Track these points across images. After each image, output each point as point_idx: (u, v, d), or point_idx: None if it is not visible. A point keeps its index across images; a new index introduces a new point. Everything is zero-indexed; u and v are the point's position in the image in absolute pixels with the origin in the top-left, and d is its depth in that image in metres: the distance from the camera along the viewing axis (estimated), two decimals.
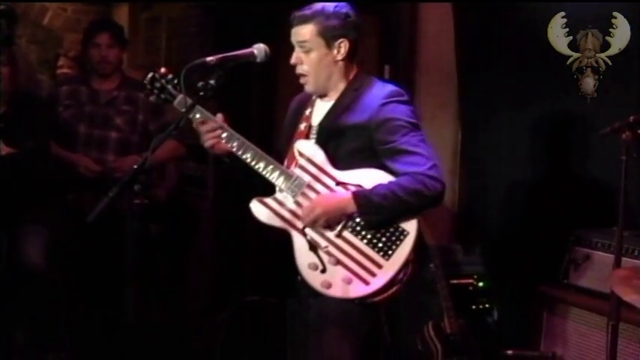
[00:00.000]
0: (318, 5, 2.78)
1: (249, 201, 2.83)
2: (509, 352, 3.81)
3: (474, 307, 4.09)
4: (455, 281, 4.03)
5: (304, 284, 2.76)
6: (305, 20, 2.76)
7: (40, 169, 4.00)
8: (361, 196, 2.68)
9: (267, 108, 5.26)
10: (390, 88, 2.80)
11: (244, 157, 2.79)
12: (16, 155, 3.87)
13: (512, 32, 4.17)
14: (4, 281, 4.04)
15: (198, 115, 2.78)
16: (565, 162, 4.09)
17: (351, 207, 2.68)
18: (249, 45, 2.75)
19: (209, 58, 2.65)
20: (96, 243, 4.02)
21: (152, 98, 2.90)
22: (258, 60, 2.75)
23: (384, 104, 2.73)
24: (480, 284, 4.13)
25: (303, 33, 2.76)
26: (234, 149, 2.80)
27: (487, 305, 4.11)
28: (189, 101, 2.68)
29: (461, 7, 4.40)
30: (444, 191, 2.71)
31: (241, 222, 5.02)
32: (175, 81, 2.85)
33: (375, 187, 2.69)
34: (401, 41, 4.56)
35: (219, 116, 2.83)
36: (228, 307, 4.45)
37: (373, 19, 4.60)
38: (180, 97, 2.81)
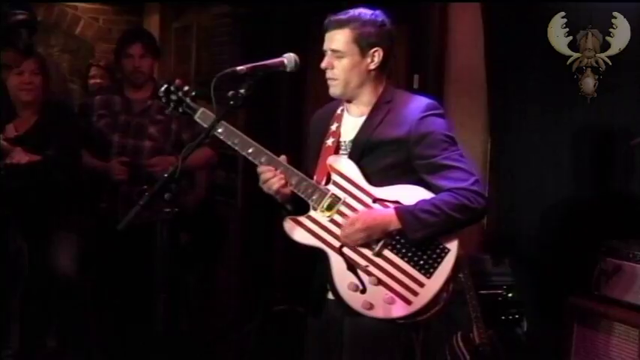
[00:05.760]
0: (355, 11, 2.71)
1: (277, 210, 2.79)
2: None
3: (503, 317, 4.07)
4: (484, 292, 4.01)
5: (341, 304, 2.67)
6: (341, 25, 2.69)
7: (63, 177, 4.02)
8: (405, 212, 2.58)
9: (295, 117, 5.27)
10: (426, 101, 2.72)
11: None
12: (36, 164, 3.89)
13: (543, 42, 4.14)
14: (33, 288, 4.09)
15: (220, 130, 2.70)
16: (595, 172, 4.05)
17: (395, 224, 2.58)
18: (279, 54, 2.74)
19: (239, 68, 2.62)
20: (126, 251, 4.04)
21: (168, 111, 2.82)
22: (288, 69, 2.71)
23: (422, 117, 2.66)
24: (510, 295, 4.11)
25: (338, 39, 2.69)
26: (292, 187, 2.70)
27: (516, 316, 4.08)
28: (214, 115, 2.65)
29: (491, 17, 4.38)
30: (487, 207, 2.66)
31: (270, 231, 5.06)
32: (193, 93, 2.78)
33: (418, 203, 2.59)
34: (430, 50, 4.56)
35: (284, 157, 2.74)
36: (257, 316, 4.46)
37: (402, 29, 4.60)
38: (200, 110, 2.74)
